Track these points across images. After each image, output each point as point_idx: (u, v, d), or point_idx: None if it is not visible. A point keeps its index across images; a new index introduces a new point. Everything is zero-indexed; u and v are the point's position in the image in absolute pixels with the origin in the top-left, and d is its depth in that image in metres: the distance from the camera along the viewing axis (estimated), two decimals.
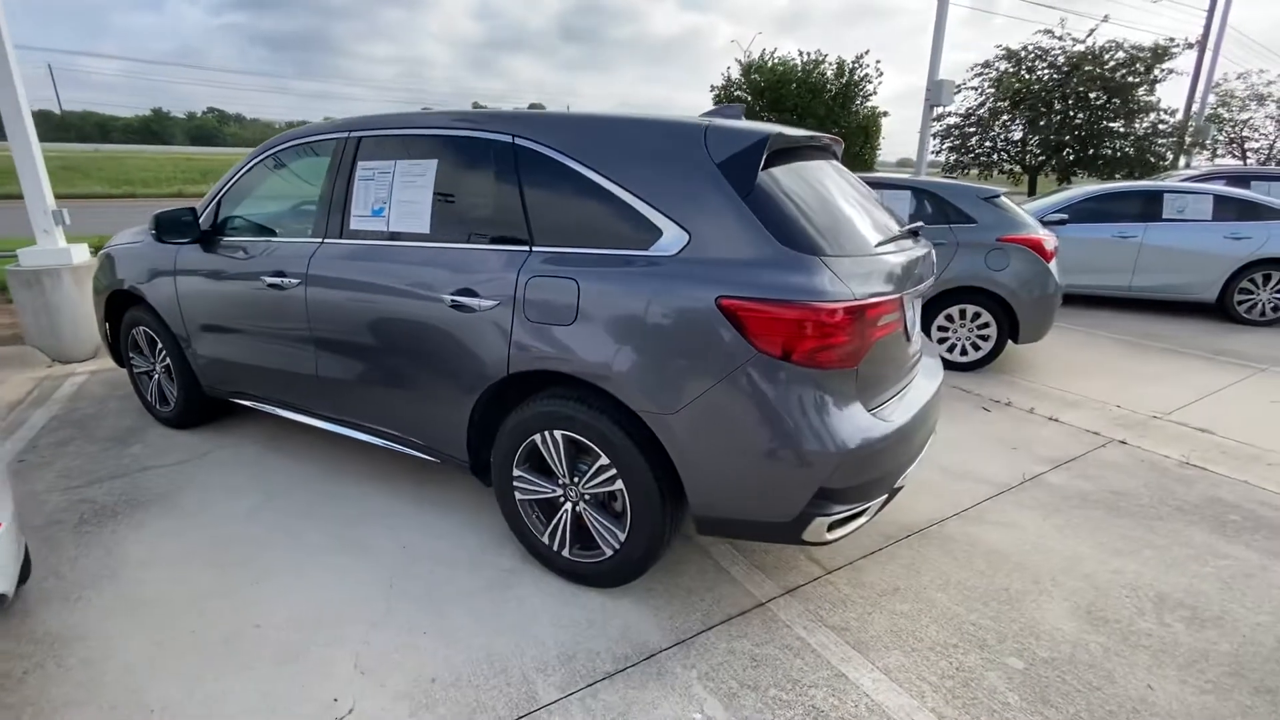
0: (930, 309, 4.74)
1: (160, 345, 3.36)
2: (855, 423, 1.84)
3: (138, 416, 3.71)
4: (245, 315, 2.89)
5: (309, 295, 2.59)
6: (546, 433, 2.13)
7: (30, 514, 2.68)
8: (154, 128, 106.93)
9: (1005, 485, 3.08)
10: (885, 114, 11.35)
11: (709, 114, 2.39)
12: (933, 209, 4.82)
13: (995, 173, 17.09)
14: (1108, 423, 3.87)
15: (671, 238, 1.90)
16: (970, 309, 4.68)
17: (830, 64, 10.54)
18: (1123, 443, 3.59)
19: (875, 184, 4.93)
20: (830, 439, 1.77)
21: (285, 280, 2.66)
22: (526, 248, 2.13)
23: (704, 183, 1.89)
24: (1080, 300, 7.28)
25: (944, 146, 16.81)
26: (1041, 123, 15.80)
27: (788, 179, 2.00)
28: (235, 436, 3.46)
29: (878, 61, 11.07)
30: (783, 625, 2.10)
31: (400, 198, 2.41)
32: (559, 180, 2.09)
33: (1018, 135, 16.55)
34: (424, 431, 2.49)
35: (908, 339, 2.23)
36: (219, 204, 3.02)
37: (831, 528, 1.88)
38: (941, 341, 4.80)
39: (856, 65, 10.96)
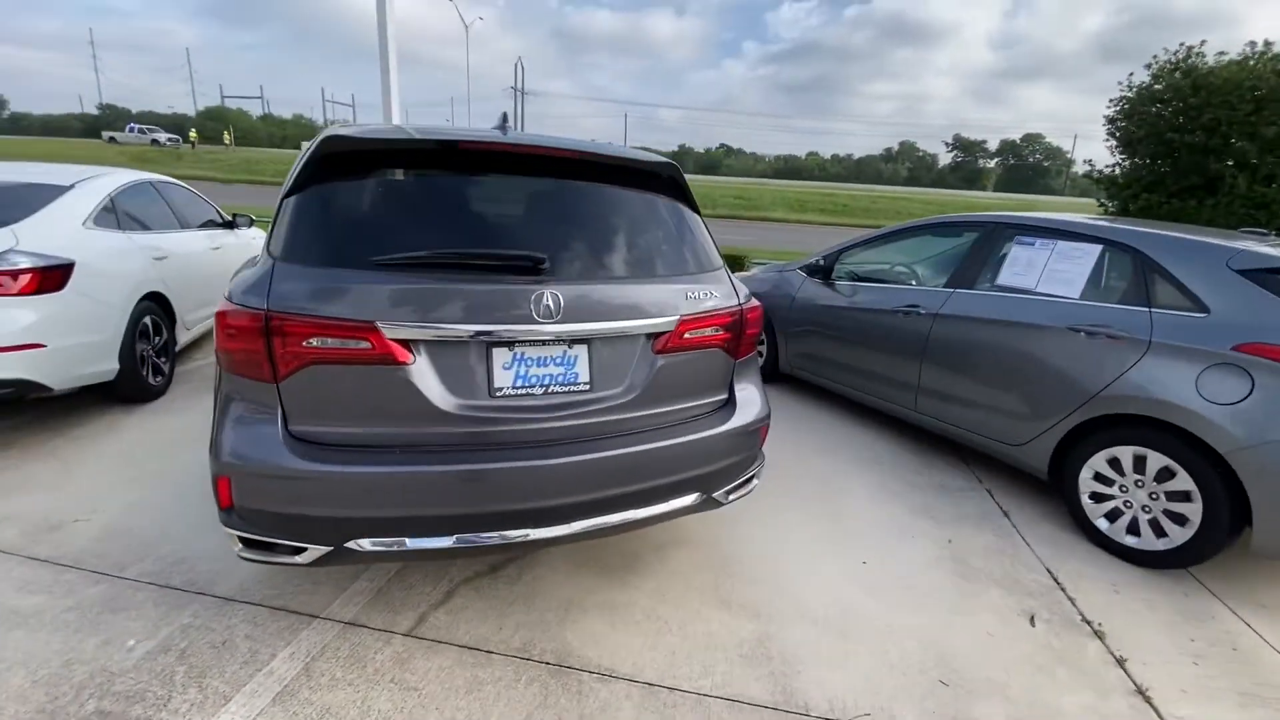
0: (1080, 441, 2.86)
1: None
2: (253, 443, 1.68)
3: None
4: None
5: None
6: None
7: None
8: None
9: (782, 707, 1.89)
10: None
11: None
12: (1129, 276, 2.85)
13: None
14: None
15: None
16: (1155, 459, 2.63)
17: None
18: None
19: (1040, 229, 3.29)
20: (220, 447, 1.70)
21: None
22: None
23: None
24: None
25: None
26: None
27: (356, 188, 1.87)
28: None
29: None
30: (285, 639, 2.01)
31: None
32: None
33: None
34: None
35: (452, 384, 1.76)
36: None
37: (245, 545, 1.76)
38: (1099, 500, 2.84)
39: None
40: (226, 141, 49.45)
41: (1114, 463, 2.77)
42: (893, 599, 2.41)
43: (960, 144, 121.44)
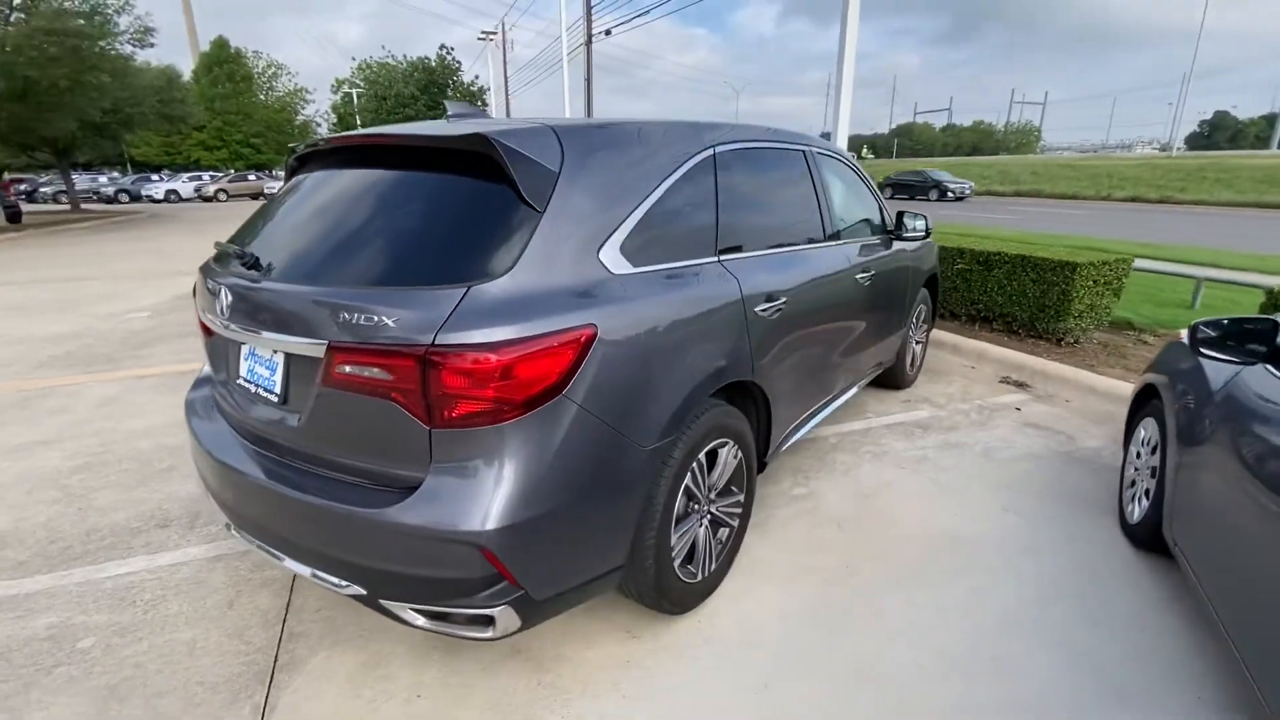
0: None
1: None
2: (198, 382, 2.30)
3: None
4: None
5: None
6: None
7: None
8: None
9: None
10: None
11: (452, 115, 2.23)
12: None
13: None
14: None
15: None
16: None
17: None
18: None
19: None
20: None
21: None
22: None
23: None
24: None
25: None
26: None
27: (306, 187, 2.17)
28: None
29: None
30: None
31: None
32: None
33: None
34: None
35: (243, 379, 1.89)
36: None
37: None
38: None
39: None
40: (865, 154, 56.30)
41: None
42: None
43: None
